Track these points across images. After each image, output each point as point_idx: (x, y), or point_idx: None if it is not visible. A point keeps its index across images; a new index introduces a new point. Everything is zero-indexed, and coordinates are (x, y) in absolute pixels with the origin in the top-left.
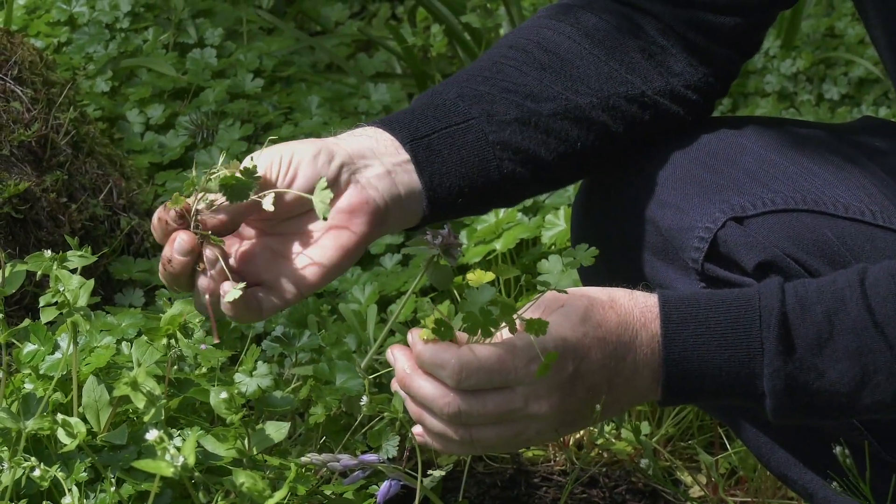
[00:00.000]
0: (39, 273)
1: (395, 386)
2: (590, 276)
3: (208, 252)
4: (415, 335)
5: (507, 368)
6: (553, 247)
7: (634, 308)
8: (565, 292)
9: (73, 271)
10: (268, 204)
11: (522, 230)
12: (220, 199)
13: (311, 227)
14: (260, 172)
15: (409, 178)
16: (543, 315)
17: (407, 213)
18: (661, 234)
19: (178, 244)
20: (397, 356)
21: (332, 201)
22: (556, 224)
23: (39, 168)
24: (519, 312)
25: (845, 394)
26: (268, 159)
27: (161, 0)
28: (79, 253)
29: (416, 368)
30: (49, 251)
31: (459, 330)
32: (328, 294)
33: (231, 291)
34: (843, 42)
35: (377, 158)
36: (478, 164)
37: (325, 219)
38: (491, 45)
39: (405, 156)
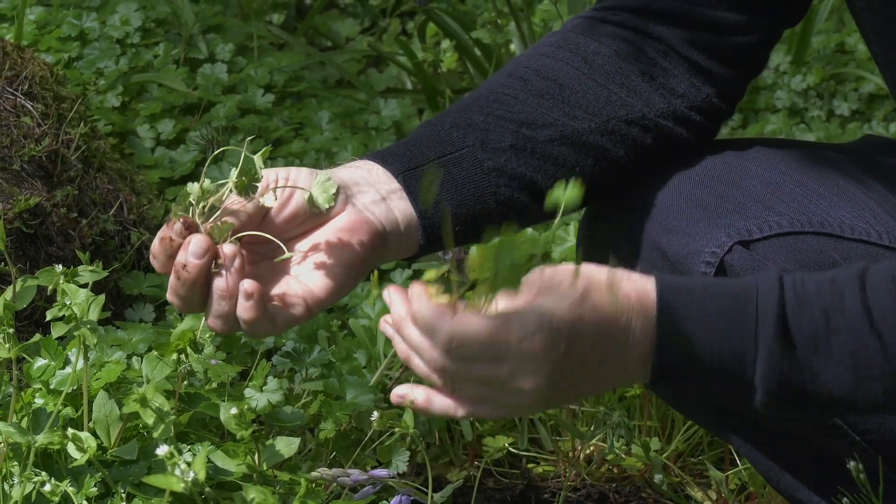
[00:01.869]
0: (50, 288)
1: (383, 325)
2: None
3: (226, 248)
4: (416, 289)
5: (499, 343)
6: (564, 262)
7: (632, 292)
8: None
9: (84, 286)
10: (269, 200)
11: (533, 246)
12: (222, 207)
13: (312, 247)
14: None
15: (404, 204)
16: (542, 290)
17: (405, 240)
18: (667, 260)
19: (193, 246)
20: (394, 299)
21: (330, 219)
22: (567, 240)
23: (50, 183)
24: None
25: (838, 393)
26: (264, 174)
27: (172, 15)
28: (90, 268)
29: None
30: (60, 266)
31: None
32: (338, 309)
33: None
34: (853, 58)
35: (371, 186)
36: (473, 191)
37: (327, 210)
38: (501, 60)
39: (398, 185)
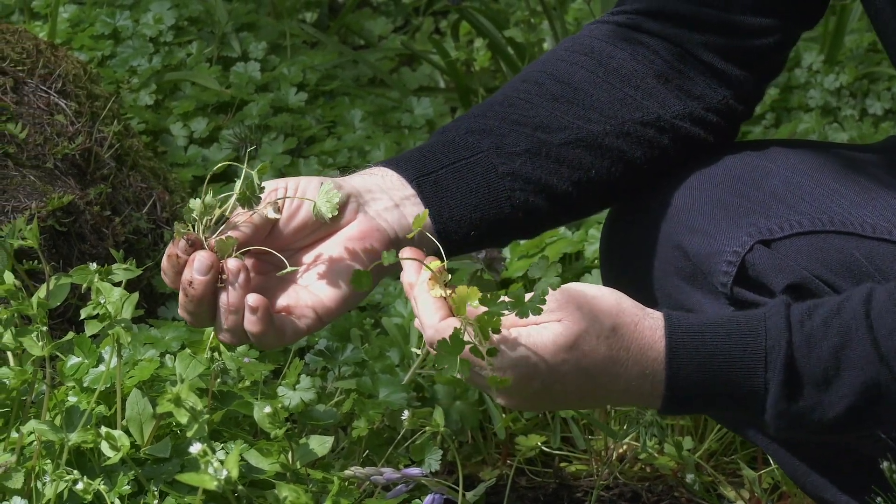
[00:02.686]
0: (84, 286)
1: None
2: None
3: (231, 263)
4: (423, 276)
5: (473, 363)
6: (596, 261)
7: (632, 344)
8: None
9: (118, 284)
10: (272, 212)
11: (566, 244)
12: (226, 222)
13: (323, 256)
14: (266, 197)
15: (418, 210)
16: (544, 315)
17: (420, 246)
18: (689, 260)
19: (197, 263)
20: (406, 265)
21: (341, 227)
22: (599, 239)
23: (83, 181)
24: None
25: (851, 421)
26: (272, 185)
27: (205, 14)
28: (123, 266)
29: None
30: (94, 264)
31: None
32: (371, 308)
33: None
34: (886, 57)
35: (385, 193)
36: (488, 195)
37: (330, 219)
38: (534, 59)
39: (412, 191)
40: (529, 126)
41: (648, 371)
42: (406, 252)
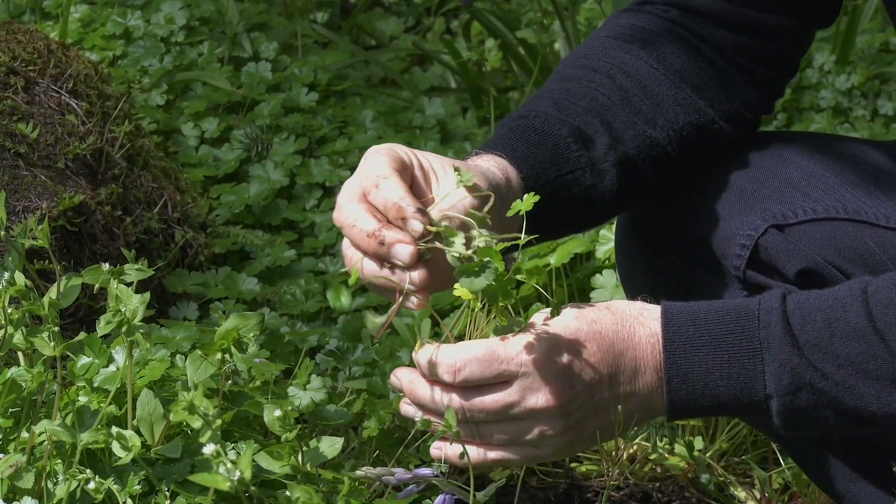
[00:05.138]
0: (97, 287)
1: (403, 408)
2: (633, 289)
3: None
4: (419, 352)
5: (499, 357)
6: (607, 261)
7: (632, 308)
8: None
9: (129, 285)
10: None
11: (577, 245)
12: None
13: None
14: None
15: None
16: (536, 323)
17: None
18: (703, 244)
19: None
20: (400, 375)
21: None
22: (610, 239)
23: (94, 181)
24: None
25: (850, 400)
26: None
27: (216, 14)
28: (135, 266)
29: (420, 378)
30: (106, 265)
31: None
32: (382, 307)
33: None
34: None
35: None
36: (570, 213)
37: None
38: (546, 59)
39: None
40: (612, 134)
41: (652, 330)
42: (397, 372)
